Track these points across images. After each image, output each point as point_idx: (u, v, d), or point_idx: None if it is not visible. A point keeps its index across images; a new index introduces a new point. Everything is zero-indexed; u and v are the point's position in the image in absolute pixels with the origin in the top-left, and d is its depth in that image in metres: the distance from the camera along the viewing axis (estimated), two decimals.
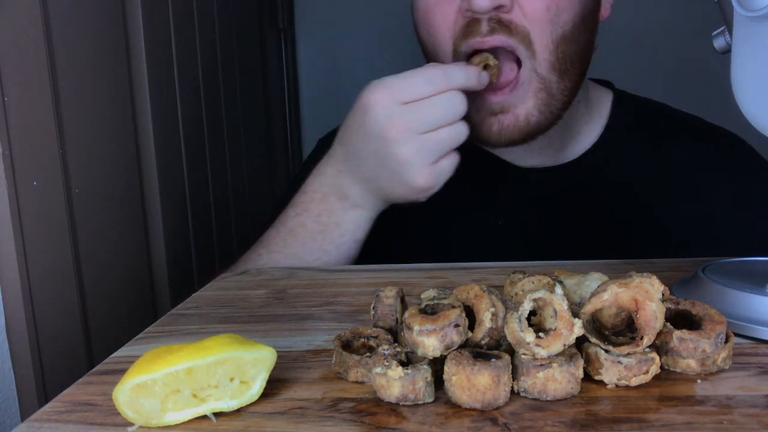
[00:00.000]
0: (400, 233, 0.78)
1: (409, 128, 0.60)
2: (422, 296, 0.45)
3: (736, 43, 0.45)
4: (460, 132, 0.61)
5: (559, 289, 0.37)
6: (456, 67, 0.62)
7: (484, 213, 0.77)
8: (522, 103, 0.67)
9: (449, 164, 0.62)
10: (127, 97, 0.79)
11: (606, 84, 0.82)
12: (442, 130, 0.60)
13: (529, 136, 0.69)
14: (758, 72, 0.43)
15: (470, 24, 0.65)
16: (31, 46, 0.60)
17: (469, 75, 0.61)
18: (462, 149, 0.74)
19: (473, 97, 0.65)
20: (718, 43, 0.49)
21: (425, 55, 0.76)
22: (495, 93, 0.67)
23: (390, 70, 0.62)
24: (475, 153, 0.78)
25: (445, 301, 0.41)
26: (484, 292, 0.40)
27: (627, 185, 0.75)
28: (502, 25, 0.65)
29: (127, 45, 0.79)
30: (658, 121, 0.80)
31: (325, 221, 0.67)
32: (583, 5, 0.68)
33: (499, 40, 0.65)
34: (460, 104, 0.61)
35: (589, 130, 0.77)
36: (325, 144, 0.73)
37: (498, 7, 0.64)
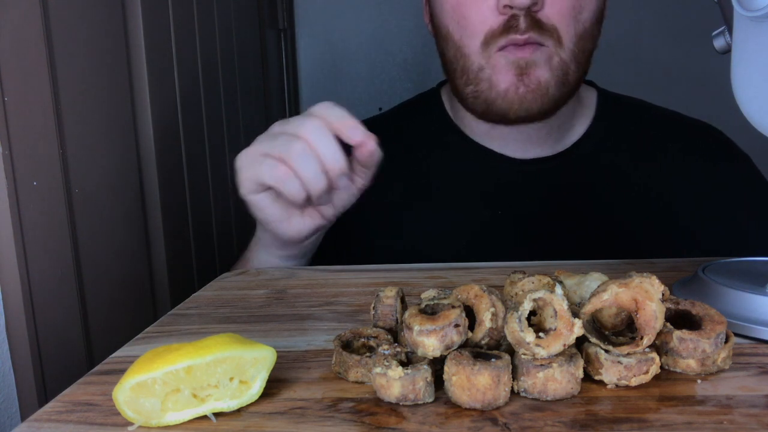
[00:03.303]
0: (402, 229, 0.81)
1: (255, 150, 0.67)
2: (422, 296, 0.45)
3: (736, 43, 0.45)
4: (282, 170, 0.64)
5: (559, 289, 0.37)
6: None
7: (484, 205, 0.81)
8: (542, 70, 0.73)
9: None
10: (127, 97, 0.79)
11: (589, 83, 0.89)
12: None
13: (543, 109, 0.75)
14: (758, 72, 0.43)
15: (510, 20, 0.71)
16: (31, 46, 0.60)
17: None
18: (457, 145, 0.83)
19: (497, 62, 0.73)
20: (718, 43, 0.49)
21: (443, 46, 0.79)
22: (522, 48, 0.72)
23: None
24: (472, 148, 0.80)
25: (445, 301, 0.41)
26: (484, 292, 0.40)
27: (616, 170, 0.82)
28: (535, 23, 0.71)
29: (127, 45, 0.79)
30: (640, 114, 0.87)
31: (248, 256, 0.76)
32: (598, 5, 0.75)
33: (533, 36, 0.72)
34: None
35: (580, 123, 0.84)
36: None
37: (532, 5, 0.71)
